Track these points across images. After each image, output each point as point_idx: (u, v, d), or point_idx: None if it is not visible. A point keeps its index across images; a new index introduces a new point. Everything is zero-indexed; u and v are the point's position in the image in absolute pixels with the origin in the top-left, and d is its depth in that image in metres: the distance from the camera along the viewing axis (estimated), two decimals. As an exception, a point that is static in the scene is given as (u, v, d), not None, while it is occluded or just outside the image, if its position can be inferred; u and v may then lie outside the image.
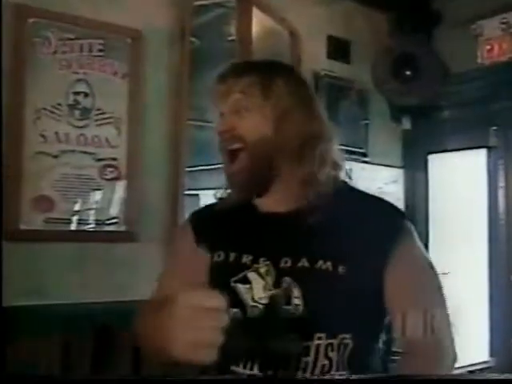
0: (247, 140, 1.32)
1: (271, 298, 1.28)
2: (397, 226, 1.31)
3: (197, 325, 0.97)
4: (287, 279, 1.27)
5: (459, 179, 4.01)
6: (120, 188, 2.87)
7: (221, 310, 0.98)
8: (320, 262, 1.26)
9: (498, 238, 3.79)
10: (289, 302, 1.26)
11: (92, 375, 2.36)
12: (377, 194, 1.42)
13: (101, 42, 2.84)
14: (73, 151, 2.75)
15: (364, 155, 3.98)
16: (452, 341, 1.33)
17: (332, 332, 1.25)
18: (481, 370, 3.53)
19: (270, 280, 1.29)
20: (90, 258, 2.71)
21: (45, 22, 2.69)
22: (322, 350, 1.25)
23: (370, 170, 4.01)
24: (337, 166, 1.39)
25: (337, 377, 1.23)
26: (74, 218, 2.74)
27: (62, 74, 2.74)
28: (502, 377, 0.92)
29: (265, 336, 1.27)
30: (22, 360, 2.33)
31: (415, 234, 1.35)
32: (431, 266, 1.36)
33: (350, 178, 4.26)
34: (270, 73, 1.37)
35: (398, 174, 4.21)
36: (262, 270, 1.31)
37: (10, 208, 2.56)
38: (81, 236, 2.75)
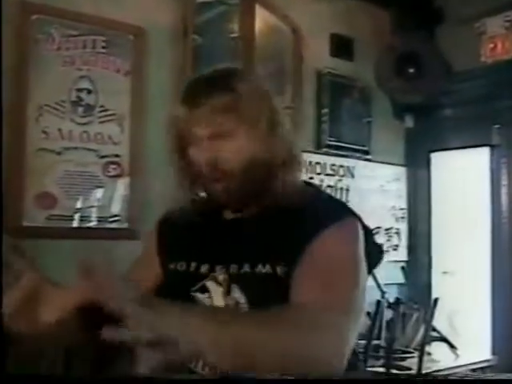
0: (234, 169, 1.26)
1: (226, 305, 1.26)
2: (321, 217, 1.25)
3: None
4: (234, 286, 1.26)
5: (462, 177, 4.01)
6: (123, 185, 2.87)
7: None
8: (259, 266, 1.24)
9: (501, 236, 3.78)
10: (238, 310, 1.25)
11: (95, 372, 2.36)
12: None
13: (104, 38, 2.84)
14: (76, 148, 2.75)
15: (366, 153, 3.98)
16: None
17: None
18: (483, 368, 3.53)
19: (225, 287, 1.28)
20: (92, 255, 2.71)
21: (48, 18, 2.68)
22: None
23: (373, 167, 4.01)
24: (300, 165, 1.36)
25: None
26: (77, 215, 2.74)
27: (65, 70, 2.74)
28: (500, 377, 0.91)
29: None
30: (24, 356, 2.33)
31: (346, 230, 1.25)
32: (348, 266, 1.22)
33: (352, 175, 4.28)
34: (237, 83, 1.28)
35: (400, 171, 4.21)
36: (220, 278, 1.29)
37: (13, 205, 2.56)
38: (83, 233, 2.75)
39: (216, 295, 1.28)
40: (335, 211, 1.30)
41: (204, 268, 1.31)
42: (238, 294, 1.25)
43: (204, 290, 1.30)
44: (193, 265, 1.34)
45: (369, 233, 1.33)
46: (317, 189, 1.45)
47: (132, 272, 1.50)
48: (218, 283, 1.28)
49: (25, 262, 1.04)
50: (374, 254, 1.33)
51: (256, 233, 1.29)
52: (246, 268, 1.25)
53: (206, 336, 0.94)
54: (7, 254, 1.05)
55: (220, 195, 1.30)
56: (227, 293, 1.27)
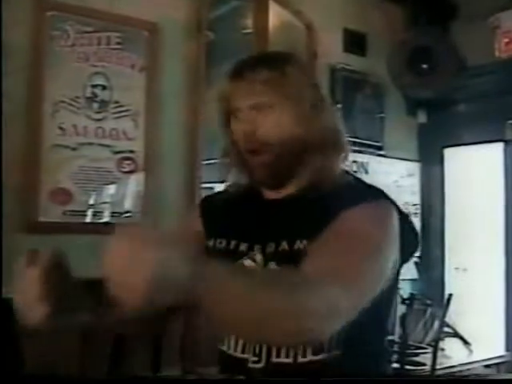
0: (272, 141, 1.29)
1: None
2: (348, 197, 1.26)
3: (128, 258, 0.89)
4: (272, 264, 1.29)
5: (475, 173, 3.99)
6: (137, 180, 2.88)
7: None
8: (297, 243, 1.26)
9: (515, 231, 3.77)
10: None
11: (111, 365, 2.38)
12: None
13: (118, 34, 2.85)
14: (91, 144, 2.76)
15: (380, 149, 3.97)
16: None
17: None
18: (497, 364, 3.52)
19: (261, 265, 1.31)
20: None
21: (63, 15, 2.70)
22: None
23: (386, 163, 4.01)
24: (347, 155, 1.39)
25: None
26: (92, 211, 2.75)
27: (79, 66, 2.75)
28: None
29: None
30: (39, 351, 2.35)
31: (375, 210, 1.24)
32: (371, 243, 1.19)
33: (366, 171, 4.27)
34: (285, 66, 1.33)
35: (414, 167, 4.20)
36: (258, 258, 1.32)
37: (29, 200, 2.58)
38: (98, 228, 2.76)
39: None
40: (368, 192, 1.31)
41: (243, 246, 1.34)
42: None
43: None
44: (233, 243, 1.36)
45: (405, 220, 1.33)
46: (356, 177, 1.44)
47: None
48: (256, 262, 1.31)
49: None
50: (410, 242, 1.34)
51: (294, 212, 1.31)
52: (284, 245, 1.28)
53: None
54: None
55: (256, 168, 1.32)
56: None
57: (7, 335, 2.29)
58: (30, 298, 1.06)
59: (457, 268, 4.03)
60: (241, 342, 1.30)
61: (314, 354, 1.25)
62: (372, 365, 1.34)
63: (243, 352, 1.30)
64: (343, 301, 1.06)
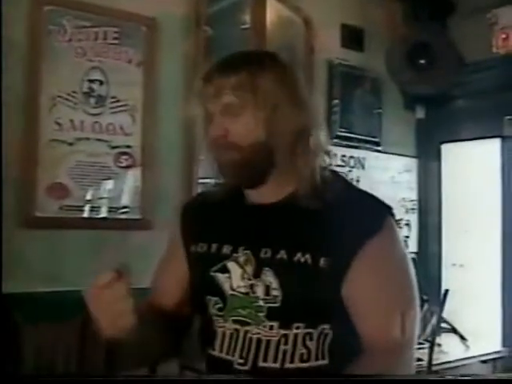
0: (242, 145, 1.28)
1: (250, 286, 1.29)
2: (373, 221, 1.29)
3: (102, 301, 1.16)
4: (266, 270, 1.28)
5: (473, 169, 3.99)
6: (135, 176, 2.88)
7: (114, 283, 1.16)
8: (298, 255, 1.27)
9: (512, 228, 3.78)
10: (268, 292, 1.27)
11: (108, 361, 2.38)
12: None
13: (116, 29, 2.85)
14: (88, 139, 2.76)
15: (377, 144, 3.97)
16: (412, 342, 1.30)
17: (311, 322, 1.27)
18: (493, 360, 3.53)
19: (249, 269, 1.30)
20: (105, 246, 2.72)
21: (60, 9, 2.70)
22: (299, 339, 1.26)
23: (383, 159, 4.01)
24: (328, 154, 1.37)
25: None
26: (89, 206, 2.75)
27: (77, 61, 2.75)
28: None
29: (245, 323, 1.30)
30: (39, 346, 2.36)
31: (394, 232, 1.32)
32: (404, 266, 1.32)
33: (363, 166, 4.27)
34: (257, 68, 1.30)
35: (411, 163, 4.20)
36: (241, 260, 1.32)
37: (26, 195, 2.58)
38: (95, 223, 2.77)
39: (235, 276, 1.31)
40: (379, 214, 1.32)
41: (226, 249, 1.34)
42: (270, 279, 1.27)
43: (224, 270, 1.33)
44: (214, 246, 1.37)
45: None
46: (344, 179, 1.45)
47: (160, 270, 1.53)
48: (239, 264, 1.32)
49: None
50: None
51: (293, 221, 1.31)
52: (283, 254, 1.28)
53: None
54: None
55: (225, 167, 1.32)
56: (256, 275, 1.29)
57: (6, 330, 2.30)
58: (116, 312, 1.17)
59: (454, 264, 4.04)
60: (226, 344, 1.31)
61: (302, 361, 1.26)
62: None
63: (228, 353, 1.31)
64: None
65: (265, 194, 1.35)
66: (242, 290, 1.30)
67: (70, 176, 2.71)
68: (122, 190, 2.86)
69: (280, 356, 1.26)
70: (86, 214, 2.75)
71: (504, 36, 3.70)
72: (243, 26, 3.35)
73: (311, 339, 1.26)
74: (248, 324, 1.29)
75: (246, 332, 1.29)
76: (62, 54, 2.70)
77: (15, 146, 2.55)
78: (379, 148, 3.99)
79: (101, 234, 2.75)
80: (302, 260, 1.26)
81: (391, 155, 4.06)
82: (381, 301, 1.26)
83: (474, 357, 3.43)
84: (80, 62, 2.76)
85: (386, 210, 1.33)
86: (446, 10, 3.84)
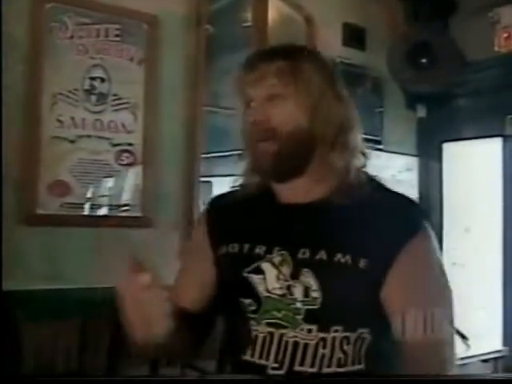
0: (282, 133, 1.27)
1: (287, 288, 1.26)
2: (413, 222, 1.29)
3: (140, 301, 1.13)
4: (305, 271, 1.25)
5: (474, 168, 3.98)
6: (136, 174, 2.87)
7: (155, 285, 1.12)
8: (339, 255, 1.24)
9: (513, 227, 3.77)
10: (307, 294, 1.24)
11: (110, 361, 2.38)
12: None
13: (117, 27, 2.84)
14: (89, 136, 2.76)
15: (378, 143, 3.97)
16: (453, 341, 1.30)
17: (349, 326, 1.24)
18: (494, 359, 3.53)
19: (285, 270, 1.27)
20: (106, 243, 2.72)
21: (62, 6, 2.69)
22: (337, 342, 1.23)
23: (385, 157, 3.99)
24: (363, 155, 1.36)
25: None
26: (90, 203, 2.75)
27: (78, 59, 2.75)
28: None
29: (280, 325, 1.26)
30: (39, 344, 2.36)
31: (431, 234, 1.31)
32: (441, 269, 1.32)
33: (364, 165, 4.24)
34: (299, 58, 1.32)
35: (412, 162, 4.20)
36: (276, 260, 1.28)
37: (27, 192, 2.58)
38: (96, 221, 2.76)
39: (270, 277, 1.28)
40: (418, 216, 1.33)
41: (259, 249, 1.31)
42: (310, 280, 1.24)
43: (258, 271, 1.29)
44: (246, 246, 1.33)
45: None
46: (379, 181, 1.42)
47: (183, 271, 1.49)
48: (274, 265, 1.28)
49: None
50: None
51: (333, 221, 1.28)
52: (322, 255, 1.25)
53: None
54: None
55: (262, 157, 1.29)
56: (294, 277, 1.26)
57: (6, 328, 2.30)
58: (154, 317, 1.15)
59: (454, 263, 4.03)
60: (259, 348, 1.27)
61: (339, 365, 1.24)
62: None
63: (261, 358, 1.27)
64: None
65: (298, 192, 1.32)
66: (278, 291, 1.27)
67: (72, 173, 2.71)
68: (122, 188, 2.85)
69: (317, 360, 1.23)
70: (86, 212, 2.74)
71: (506, 35, 3.69)
72: (244, 24, 3.36)
73: (348, 343, 1.24)
74: (283, 327, 1.25)
75: (282, 335, 1.25)
76: (63, 51, 2.70)
77: (16, 143, 2.55)
78: (380, 147, 3.98)
79: (102, 231, 2.74)
80: (343, 261, 1.23)
81: (392, 154, 4.06)
82: (420, 301, 1.25)
83: (474, 356, 3.42)
84: (81, 59, 2.75)
85: (424, 211, 1.35)
86: (448, 9, 3.83)
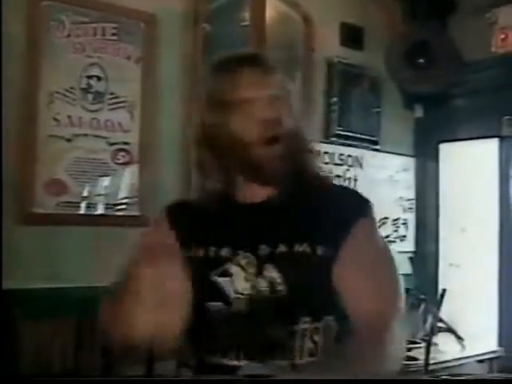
0: (287, 127, 1.30)
1: (254, 287, 1.28)
2: (357, 207, 1.34)
3: (159, 303, 1.01)
4: (268, 266, 1.28)
5: (471, 169, 3.99)
6: (132, 173, 2.87)
7: (183, 290, 1.04)
8: (297, 246, 1.28)
9: (509, 228, 3.78)
10: (273, 289, 1.27)
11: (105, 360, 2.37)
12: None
13: (114, 25, 2.84)
14: (86, 135, 2.75)
15: (375, 143, 3.97)
16: (399, 315, 1.31)
17: (316, 315, 1.27)
18: (489, 359, 3.53)
19: (251, 270, 1.29)
20: (103, 242, 2.72)
21: (59, 5, 2.68)
22: (307, 333, 1.26)
23: (382, 157, 4.00)
24: (312, 152, 1.40)
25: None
26: (87, 202, 2.74)
27: (75, 57, 2.74)
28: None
29: (251, 325, 1.27)
30: (36, 343, 2.35)
31: (374, 217, 1.37)
32: (385, 244, 1.38)
33: (361, 165, 4.26)
34: (274, 63, 1.37)
35: (409, 162, 4.20)
36: (243, 262, 1.30)
37: (24, 191, 2.57)
38: (93, 220, 2.76)
39: (238, 278, 1.29)
40: (363, 199, 1.39)
41: (225, 252, 1.32)
42: (274, 274, 1.27)
43: (226, 273, 1.30)
44: (212, 249, 1.34)
45: None
46: (327, 177, 1.49)
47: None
48: (241, 266, 1.30)
49: None
50: None
51: (287, 215, 1.32)
52: (282, 248, 1.29)
53: None
54: None
55: (268, 161, 1.30)
56: (258, 273, 1.28)
57: (5, 327, 2.29)
58: (174, 310, 1.04)
59: (451, 263, 4.04)
60: (234, 349, 1.27)
61: (310, 355, 1.26)
62: None
63: (233, 358, 1.27)
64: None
65: (255, 192, 1.35)
66: (246, 291, 1.29)
67: (68, 172, 2.70)
68: (119, 187, 2.85)
69: (290, 353, 1.25)
70: (83, 211, 2.74)
71: (503, 36, 3.69)
72: (242, 23, 3.35)
73: (318, 333, 1.27)
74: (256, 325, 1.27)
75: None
76: (60, 49, 2.69)
77: (13, 141, 2.54)
78: (377, 147, 3.98)
79: (98, 230, 2.74)
80: (302, 250, 1.28)
81: (389, 154, 4.06)
82: (369, 274, 1.28)
83: (470, 356, 3.43)
84: (78, 57, 2.74)
85: (365, 198, 1.39)
86: (446, 9, 3.84)
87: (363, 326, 1.23)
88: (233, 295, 1.29)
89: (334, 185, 1.51)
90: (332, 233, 1.29)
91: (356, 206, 1.35)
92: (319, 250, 1.27)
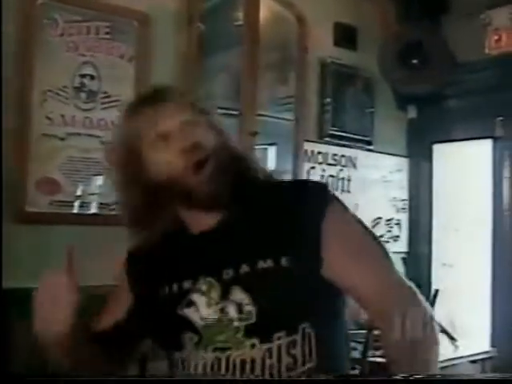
0: (210, 147, 1.30)
1: (221, 311, 1.28)
2: (321, 194, 1.34)
3: (50, 298, 1.26)
4: (233, 289, 1.27)
5: (464, 169, 4.00)
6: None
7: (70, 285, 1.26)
8: (260, 262, 1.26)
9: (502, 229, 3.79)
10: (241, 310, 1.26)
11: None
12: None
13: (108, 24, 2.82)
14: (79, 134, 2.74)
15: (369, 143, 3.97)
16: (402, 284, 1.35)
17: (290, 327, 1.25)
18: (482, 360, 3.54)
19: (214, 294, 1.29)
20: (95, 241, 2.70)
21: (53, 3, 2.67)
22: (283, 349, 1.24)
23: (375, 158, 4.01)
24: (254, 162, 1.41)
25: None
26: (80, 201, 2.74)
27: (68, 56, 2.72)
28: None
29: (225, 348, 1.27)
30: (29, 343, 2.33)
31: (340, 199, 1.37)
32: (363, 223, 1.36)
33: (354, 165, 4.27)
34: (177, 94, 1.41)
35: (402, 162, 4.21)
36: (204, 288, 1.30)
37: (16, 190, 2.56)
38: (86, 219, 2.75)
39: (202, 305, 1.29)
40: (322, 184, 1.44)
41: (186, 284, 1.32)
42: (240, 295, 1.26)
43: (190, 304, 1.31)
44: (175, 286, 1.34)
45: None
46: (271, 176, 1.46)
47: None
48: (202, 293, 1.30)
49: None
50: None
51: (243, 234, 1.31)
52: (245, 268, 1.27)
53: None
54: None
55: (199, 185, 1.28)
56: (223, 297, 1.27)
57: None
58: (57, 313, 1.26)
59: (444, 264, 4.04)
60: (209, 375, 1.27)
61: (288, 370, 1.24)
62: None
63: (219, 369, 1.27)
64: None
65: (207, 218, 1.34)
66: (212, 316, 1.28)
67: (61, 171, 2.68)
68: (112, 186, 2.83)
69: (266, 371, 1.23)
70: (76, 210, 2.73)
71: (497, 37, 3.71)
72: (236, 23, 3.35)
73: (295, 346, 1.25)
74: (229, 349, 1.26)
75: (228, 357, 1.26)
76: (53, 48, 2.67)
77: (6, 139, 2.52)
78: (371, 147, 3.99)
79: (91, 229, 2.72)
80: (265, 266, 1.25)
81: (383, 154, 4.06)
82: (362, 256, 1.29)
83: (463, 357, 3.43)
84: (72, 56, 2.73)
85: (324, 183, 1.46)
86: (440, 10, 3.85)
87: (376, 312, 1.27)
88: (200, 323, 1.29)
89: (284, 182, 1.50)
90: (299, 238, 1.27)
91: (319, 196, 1.33)
92: (284, 262, 1.25)
